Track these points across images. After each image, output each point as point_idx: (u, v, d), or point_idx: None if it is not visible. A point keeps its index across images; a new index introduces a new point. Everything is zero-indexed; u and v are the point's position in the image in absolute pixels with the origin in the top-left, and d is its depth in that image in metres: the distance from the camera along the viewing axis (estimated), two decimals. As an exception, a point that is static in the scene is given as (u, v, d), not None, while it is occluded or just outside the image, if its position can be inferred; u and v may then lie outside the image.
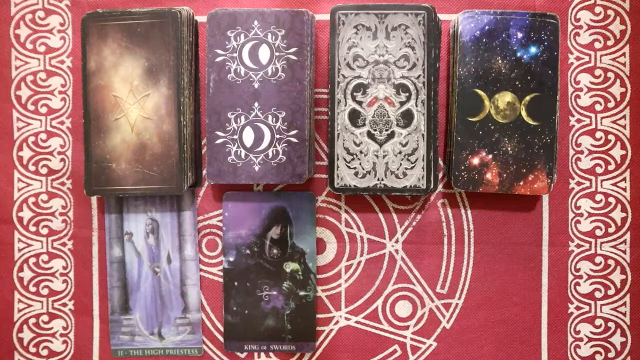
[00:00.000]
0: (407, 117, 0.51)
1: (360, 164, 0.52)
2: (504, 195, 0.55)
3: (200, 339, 0.57)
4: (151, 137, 0.52)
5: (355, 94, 0.51)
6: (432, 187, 0.52)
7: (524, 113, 0.52)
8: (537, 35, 0.52)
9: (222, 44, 0.51)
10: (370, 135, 0.51)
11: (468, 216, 0.56)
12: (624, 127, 0.55)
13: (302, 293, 0.55)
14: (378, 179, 0.52)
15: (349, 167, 0.52)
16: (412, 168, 0.52)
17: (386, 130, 0.51)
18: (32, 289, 0.57)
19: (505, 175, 0.52)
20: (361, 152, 0.52)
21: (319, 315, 0.56)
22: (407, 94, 0.51)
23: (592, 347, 0.56)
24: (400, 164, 0.52)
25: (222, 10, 0.51)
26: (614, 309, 0.56)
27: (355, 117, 0.52)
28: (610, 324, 0.56)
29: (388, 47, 0.51)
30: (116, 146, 0.52)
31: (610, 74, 0.55)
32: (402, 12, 0.51)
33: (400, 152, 0.52)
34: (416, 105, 0.51)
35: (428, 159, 0.52)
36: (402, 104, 0.51)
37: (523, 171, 0.52)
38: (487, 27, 0.52)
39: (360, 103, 0.51)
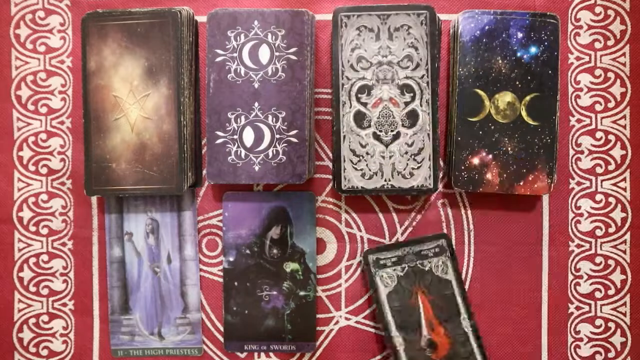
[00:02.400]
0: (412, 117, 0.51)
1: (367, 165, 0.52)
2: (504, 195, 0.55)
3: (200, 339, 0.57)
4: (151, 137, 0.52)
5: (359, 95, 0.51)
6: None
7: (524, 113, 0.52)
8: (537, 35, 0.52)
9: (222, 44, 0.51)
10: (376, 136, 0.51)
11: (468, 216, 0.56)
12: (624, 127, 0.55)
13: (302, 293, 0.55)
14: (385, 180, 0.52)
15: (355, 168, 0.52)
16: (418, 168, 0.52)
17: (392, 131, 0.51)
18: (32, 289, 0.57)
19: (505, 175, 0.52)
20: (367, 153, 0.52)
21: (319, 315, 0.56)
22: (412, 94, 0.51)
23: (592, 347, 0.56)
24: (407, 164, 0.52)
25: (222, 10, 0.51)
26: (614, 309, 0.56)
27: (360, 119, 0.52)
28: (611, 324, 0.56)
29: (391, 47, 0.51)
30: (116, 146, 0.52)
31: (610, 74, 0.55)
32: (404, 12, 0.51)
33: (406, 152, 0.52)
34: (421, 105, 0.51)
35: (434, 158, 0.52)
36: (406, 104, 0.51)
37: (523, 171, 0.52)
38: (487, 27, 0.52)
39: (365, 104, 0.51)
